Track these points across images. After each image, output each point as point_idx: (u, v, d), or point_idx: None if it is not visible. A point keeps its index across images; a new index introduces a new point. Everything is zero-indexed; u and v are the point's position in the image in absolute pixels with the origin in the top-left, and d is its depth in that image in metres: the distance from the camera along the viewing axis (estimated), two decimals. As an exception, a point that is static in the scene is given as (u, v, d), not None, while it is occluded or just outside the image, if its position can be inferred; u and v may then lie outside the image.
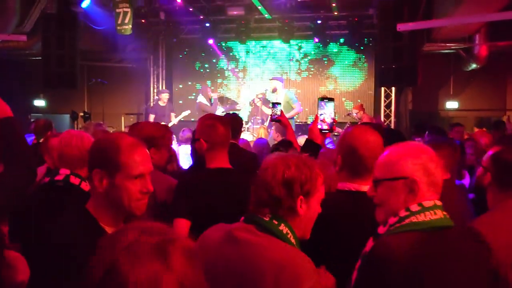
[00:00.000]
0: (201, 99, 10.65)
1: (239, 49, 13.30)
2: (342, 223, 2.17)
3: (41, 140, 5.67)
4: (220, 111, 10.74)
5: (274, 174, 1.76)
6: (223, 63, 13.45)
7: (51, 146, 2.83)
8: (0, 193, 2.01)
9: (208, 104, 10.63)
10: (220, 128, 2.74)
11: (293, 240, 1.71)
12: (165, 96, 10.85)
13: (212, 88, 11.87)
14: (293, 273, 1.63)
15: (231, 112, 8.96)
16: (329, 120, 2.68)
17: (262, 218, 1.71)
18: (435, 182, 1.71)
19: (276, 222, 1.70)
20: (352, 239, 2.05)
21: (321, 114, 2.69)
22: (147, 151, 1.87)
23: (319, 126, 2.66)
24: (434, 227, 1.64)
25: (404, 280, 1.53)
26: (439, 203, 1.70)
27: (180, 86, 13.75)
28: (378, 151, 2.30)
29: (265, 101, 10.56)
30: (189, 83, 13.63)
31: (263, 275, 1.64)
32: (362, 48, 12.66)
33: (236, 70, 13.39)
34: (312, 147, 2.63)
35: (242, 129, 5.78)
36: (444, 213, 1.69)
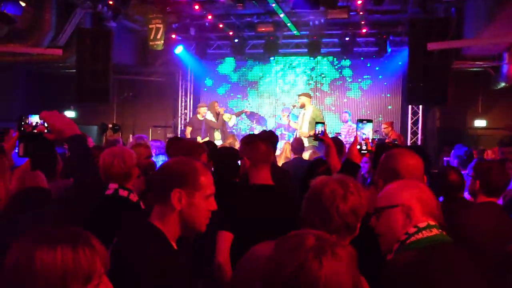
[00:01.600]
0: (208, 115, 10.71)
1: (267, 64, 13.45)
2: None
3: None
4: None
5: (345, 201, 1.86)
6: (250, 78, 13.61)
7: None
8: (73, 205, 2.12)
9: (214, 120, 10.64)
10: (261, 146, 2.92)
11: None
12: (203, 110, 10.74)
13: (225, 108, 11.85)
14: None
15: (266, 129, 9.05)
16: (368, 141, 2.75)
17: None
18: (429, 208, 1.93)
19: None
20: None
21: (360, 135, 2.77)
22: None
23: (358, 147, 2.74)
24: (431, 242, 1.84)
25: None
26: (433, 223, 1.90)
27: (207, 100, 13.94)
28: (418, 174, 2.38)
29: (292, 117, 10.63)
30: (217, 97, 13.81)
31: None
32: (390, 64, 12.66)
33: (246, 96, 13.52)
34: (351, 167, 2.71)
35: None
36: (440, 230, 1.90)
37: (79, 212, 2.09)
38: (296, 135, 10.07)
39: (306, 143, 8.97)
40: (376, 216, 1.96)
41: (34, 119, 2.15)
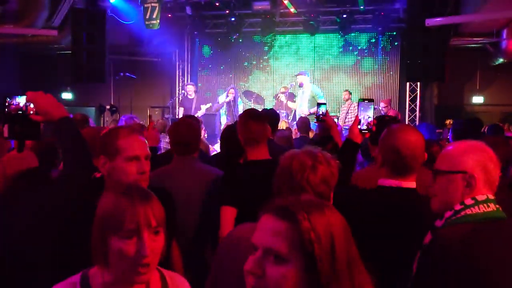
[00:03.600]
0: (221, 98, 10.81)
1: (264, 43, 13.34)
2: (383, 217, 2.25)
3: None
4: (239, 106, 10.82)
5: (315, 171, 1.82)
6: (248, 57, 13.51)
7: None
8: (61, 191, 2.11)
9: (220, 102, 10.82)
10: (252, 125, 2.92)
11: None
12: (190, 88, 10.97)
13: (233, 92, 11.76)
14: None
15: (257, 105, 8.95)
16: (369, 121, 2.71)
17: None
18: (491, 180, 1.81)
19: None
20: (392, 231, 2.21)
21: (362, 116, 2.73)
22: (143, 138, 2.16)
23: (359, 127, 2.70)
24: (487, 218, 1.74)
25: (459, 268, 1.63)
26: (491, 197, 1.79)
27: (204, 80, 13.89)
28: (419, 150, 2.35)
29: (290, 96, 10.58)
30: (214, 77, 13.75)
31: None
32: (387, 42, 12.58)
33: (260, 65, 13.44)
34: (351, 146, 2.69)
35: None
36: (497, 206, 1.78)
37: (77, 193, 2.09)
38: (294, 114, 10.07)
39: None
40: (433, 176, 1.88)
41: (21, 100, 2.11)
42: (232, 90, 10.85)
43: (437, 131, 9.53)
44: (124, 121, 6.35)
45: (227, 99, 10.67)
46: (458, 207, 1.78)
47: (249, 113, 3.05)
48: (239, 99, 11.20)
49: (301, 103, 9.96)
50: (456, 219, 1.77)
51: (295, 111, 10.27)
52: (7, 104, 2.09)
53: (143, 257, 1.45)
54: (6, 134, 2.10)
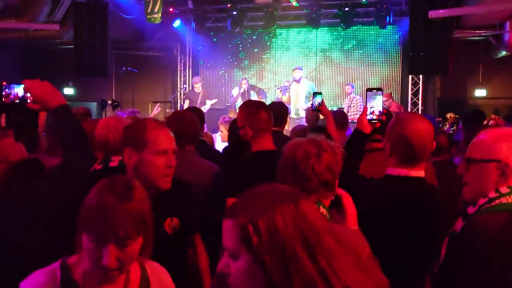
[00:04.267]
0: (235, 91, 10.81)
1: (265, 37, 13.30)
2: (391, 206, 2.25)
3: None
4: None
5: (320, 159, 1.82)
6: (250, 51, 13.48)
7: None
8: (61, 185, 2.10)
9: (234, 95, 10.81)
10: (263, 114, 2.89)
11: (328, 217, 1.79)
12: (197, 84, 10.99)
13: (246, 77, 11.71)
14: None
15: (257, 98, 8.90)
16: (378, 111, 2.65)
17: None
18: None
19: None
20: (399, 220, 2.21)
21: (370, 106, 2.68)
22: (170, 132, 2.14)
23: (368, 117, 2.66)
24: None
25: (493, 257, 1.60)
26: None
27: (206, 74, 13.87)
28: (428, 139, 2.34)
29: (285, 91, 10.54)
30: (216, 71, 13.72)
31: None
32: (390, 35, 12.53)
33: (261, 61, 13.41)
34: (360, 137, 2.67)
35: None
36: None
37: (78, 182, 2.06)
38: (290, 110, 10.07)
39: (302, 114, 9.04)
40: (466, 165, 1.83)
41: (19, 89, 2.09)
42: (244, 81, 10.83)
43: (436, 119, 9.57)
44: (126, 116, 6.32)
45: (242, 90, 10.66)
46: (493, 194, 1.73)
47: (257, 104, 3.03)
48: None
49: (296, 98, 9.98)
50: (491, 207, 1.72)
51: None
52: (4, 93, 2.07)
53: (107, 266, 1.43)
54: (3, 123, 2.07)
